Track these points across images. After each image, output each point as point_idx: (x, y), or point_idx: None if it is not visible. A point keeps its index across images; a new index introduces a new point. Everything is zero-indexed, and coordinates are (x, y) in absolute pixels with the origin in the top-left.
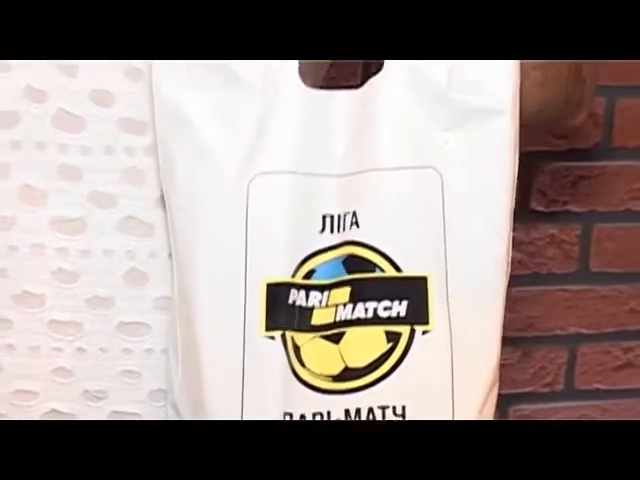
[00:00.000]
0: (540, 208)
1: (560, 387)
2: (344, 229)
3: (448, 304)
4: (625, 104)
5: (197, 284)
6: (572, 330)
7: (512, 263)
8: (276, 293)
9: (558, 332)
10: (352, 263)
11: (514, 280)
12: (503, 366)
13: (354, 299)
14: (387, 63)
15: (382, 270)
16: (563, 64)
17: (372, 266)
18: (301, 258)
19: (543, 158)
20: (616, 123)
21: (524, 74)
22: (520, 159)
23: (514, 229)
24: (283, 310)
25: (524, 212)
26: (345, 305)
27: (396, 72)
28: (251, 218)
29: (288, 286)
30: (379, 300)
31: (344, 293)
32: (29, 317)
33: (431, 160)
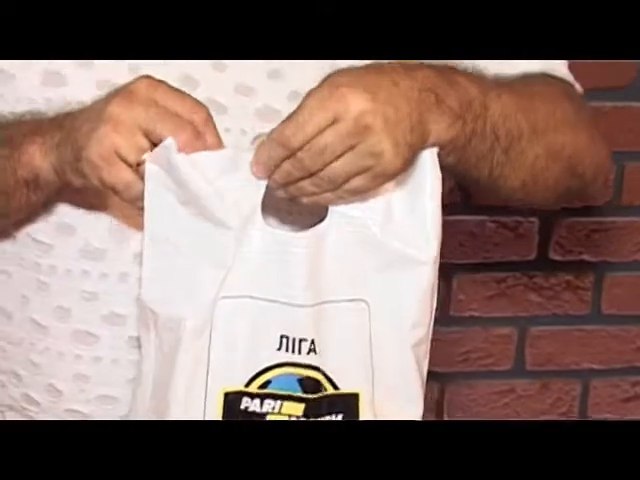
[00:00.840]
0: (558, 257)
1: (574, 416)
2: (300, 352)
3: (375, 414)
4: (633, 167)
5: (170, 388)
6: (585, 365)
7: (533, 305)
8: (231, 400)
9: (573, 367)
10: (308, 384)
11: (535, 320)
12: (523, 396)
13: (306, 414)
14: (330, 212)
15: (325, 389)
16: (554, 172)
17: (320, 386)
18: (257, 370)
19: (561, 214)
20: (625, 184)
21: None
22: (541, 214)
23: (535, 276)
24: (237, 415)
25: (544, 261)
26: (298, 417)
27: (338, 220)
28: (215, 334)
29: (242, 394)
30: (323, 415)
31: (299, 408)
32: (114, 334)
33: (363, 294)
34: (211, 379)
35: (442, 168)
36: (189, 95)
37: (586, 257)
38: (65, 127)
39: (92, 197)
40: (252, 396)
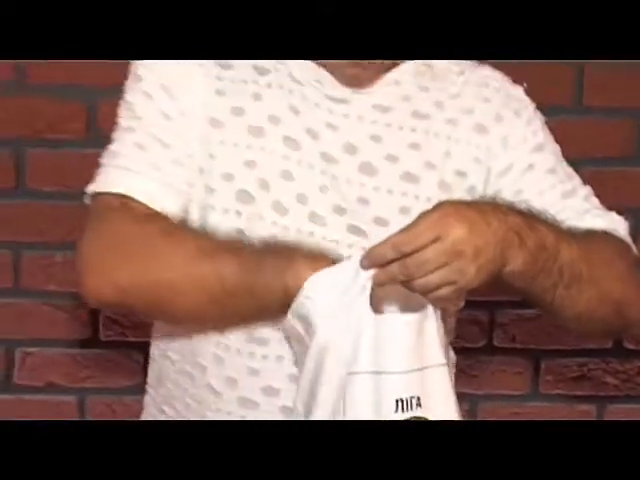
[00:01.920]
0: (631, 346)
1: None
2: (411, 408)
3: None
4: None
5: None
6: None
7: (609, 387)
8: None
9: None
10: None
11: (612, 400)
12: None
13: None
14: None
15: None
16: (603, 312)
17: None
18: None
19: None
20: None
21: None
22: None
23: (611, 362)
24: None
25: (619, 349)
26: None
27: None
28: (347, 405)
29: None
30: None
31: None
32: (270, 403)
33: (445, 358)
34: None
35: (513, 288)
36: None
37: None
38: None
39: None
40: None
